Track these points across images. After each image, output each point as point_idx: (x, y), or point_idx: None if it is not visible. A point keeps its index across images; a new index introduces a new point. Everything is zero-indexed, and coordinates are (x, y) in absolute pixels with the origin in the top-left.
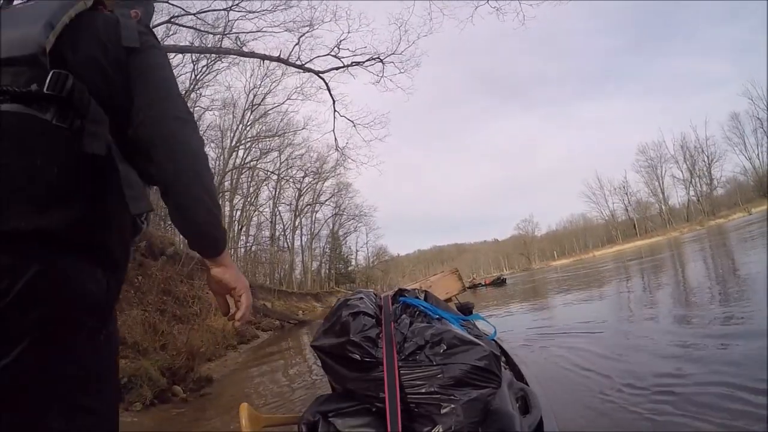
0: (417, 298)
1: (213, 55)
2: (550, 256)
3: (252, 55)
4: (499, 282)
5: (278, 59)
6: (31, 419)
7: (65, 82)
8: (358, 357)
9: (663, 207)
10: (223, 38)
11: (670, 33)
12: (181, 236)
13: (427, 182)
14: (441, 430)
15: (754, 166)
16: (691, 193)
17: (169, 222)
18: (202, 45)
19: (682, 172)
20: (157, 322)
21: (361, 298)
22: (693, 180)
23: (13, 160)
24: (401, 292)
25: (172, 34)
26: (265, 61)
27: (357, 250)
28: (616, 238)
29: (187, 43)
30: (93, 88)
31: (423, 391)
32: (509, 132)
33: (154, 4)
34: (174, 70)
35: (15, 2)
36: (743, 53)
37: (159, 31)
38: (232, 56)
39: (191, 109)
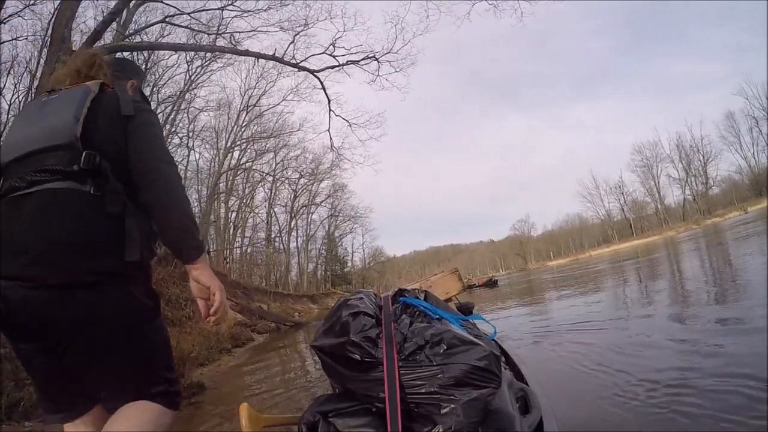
0: (417, 298)
1: (207, 55)
2: (546, 257)
3: (247, 53)
4: (491, 283)
5: (273, 57)
6: (139, 358)
7: (95, 159)
8: (358, 357)
9: (659, 206)
10: (217, 38)
11: (664, 33)
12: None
13: (423, 183)
14: (441, 430)
15: (750, 164)
16: (687, 192)
17: None
18: (196, 43)
19: (677, 171)
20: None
21: (361, 298)
22: (689, 179)
23: (73, 225)
24: (401, 292)
25: (166, 35)
26: (260, 61)
27: (353, 252)
28: (612, 237)
29: (182, 42)
30: (109, 153)
31: (423, 391)
32: (505, 132)
33: (151, 3)
34: (168, 71)
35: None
36: (737, 53)
37: (154, 31)
38: (226, 57)
39: (186, 109)
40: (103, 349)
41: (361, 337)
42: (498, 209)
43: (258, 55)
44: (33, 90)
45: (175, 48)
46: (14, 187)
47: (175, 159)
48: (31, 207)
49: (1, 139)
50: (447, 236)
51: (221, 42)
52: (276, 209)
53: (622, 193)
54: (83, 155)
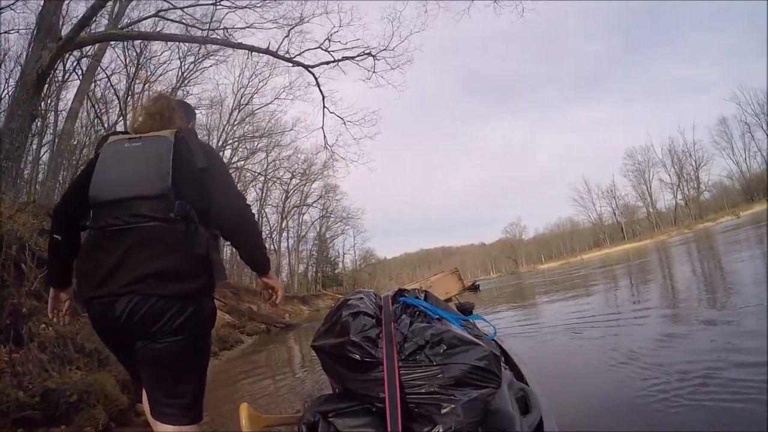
0: (417, 298)
1: (201, 52)
2: (538, 260)
3: (240, 46)
4: (473, 288)
5: (267, 51)
6: (181, 380)
7: (186, 207)
8: (358, 357)
9: (651, 210)
10: (211, 33)
11: (657, 38)
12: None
13: (415, 185)
14: (441, 430)
15: (742, 170)
16: (679, 197)
17: None
18: (189, 34)
19: (669, 176)
20: None
21: (361, 298)
22: (681, 184)
23: (174, 255)
24: (401, 292)
25: (159, 30)
26: (253, 57)
27: (344, 253)
28: (603, 241)
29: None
30: (194, 201)
31: (423, 391)
32: (497, 136)
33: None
34: (161, 68)
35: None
36: (731, 58)
37: (146, 26)
38: (219, 54)
39: None
40: (173, 355)
41: (361, 337)
42: (489, 212)
43: (251, 48)
44: (20, 82)
45: (167, 38)
46: (111, 224)
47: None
48: (130, 241)
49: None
50: (438, 238)
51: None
52: (267, 209)
53: (614, 197)
54: (176, 204)
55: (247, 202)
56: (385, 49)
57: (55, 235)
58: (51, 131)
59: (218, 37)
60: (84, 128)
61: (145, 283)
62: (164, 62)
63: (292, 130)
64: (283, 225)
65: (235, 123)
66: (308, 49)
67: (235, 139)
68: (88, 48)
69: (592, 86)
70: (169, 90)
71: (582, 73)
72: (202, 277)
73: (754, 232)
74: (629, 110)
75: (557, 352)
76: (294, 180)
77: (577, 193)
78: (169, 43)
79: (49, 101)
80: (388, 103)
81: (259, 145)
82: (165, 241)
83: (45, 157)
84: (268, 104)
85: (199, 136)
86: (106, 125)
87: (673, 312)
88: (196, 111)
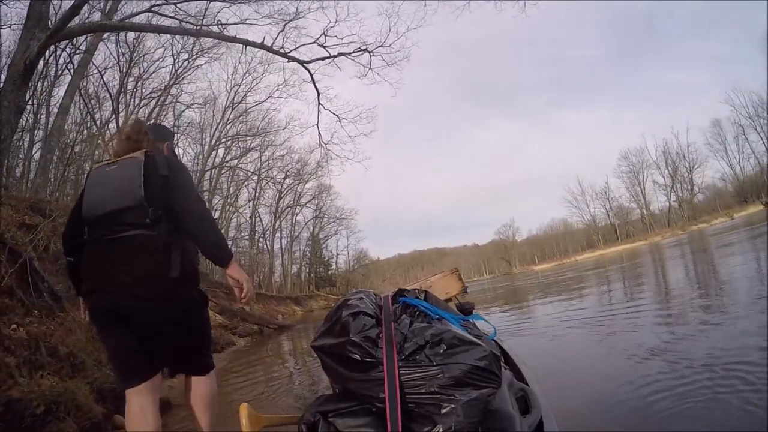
0: (417, 298)
1: (194, 49)
2: (531, 261)
3: (234, 39)
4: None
5: (261, 45)
6: (198, 341)
7: (157, 212)
8: (358, 357)
9: (644, 212)
10: (204, 29)
11: (652, 43)
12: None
13: (408, 187)
14: (441, 430)
15: (735, 172)
16: (673, 198)
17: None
18: (182, 27)
19: (663, 177)
20: None
21: (361, 298)
22: (674, 186)
23: (151, 260)
24: (401, 292)
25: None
26: (248, 53)
27: (337, 254)
28: (597, 242)
29: (169, 37)
30: (161, 205)
31: (423, 391)
32: (491, 138)
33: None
34: (154, 65)
35: None
36: (723, 64)
37: (139, 21)
38: (213, 51)
39: (172, 104)
40: (178, 331)
41: (361, 337)
42: (482, 213)
43: (246, 42)
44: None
45: (160, 30)
46: (103, 234)
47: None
48: (118, 247)
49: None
50: (431, 240)
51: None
52: (260, 209)
53: (608, 199)
54: (149, 211)
55: (204, 204)
56: (381, 46)
57: (68, 258)
58: (43, 128)
59: (212, 30)
60: (76, 126)
61: (134, 286)
62: (157, 59)
63: (285, 128)
64: (276, 225)
65: (229, 121)
66: (303, 44)
67: (229, 138)
68: (80, 42)
69: (586, 90)
70: (162, 87)
71: (576, 77)
72: (178, 269)
73: (753, 233)
74: (623, 113)
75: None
76: (287, 180)
77: (571, 194)
78: (162, 40)
79: (41, 98)
80: (383, 105)
81: (253, 144)
82: (146, 247)
83: (37, 155)
84: (261, 102)
85: (176, 152)
86: (98, 123)
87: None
88: (189, 108)
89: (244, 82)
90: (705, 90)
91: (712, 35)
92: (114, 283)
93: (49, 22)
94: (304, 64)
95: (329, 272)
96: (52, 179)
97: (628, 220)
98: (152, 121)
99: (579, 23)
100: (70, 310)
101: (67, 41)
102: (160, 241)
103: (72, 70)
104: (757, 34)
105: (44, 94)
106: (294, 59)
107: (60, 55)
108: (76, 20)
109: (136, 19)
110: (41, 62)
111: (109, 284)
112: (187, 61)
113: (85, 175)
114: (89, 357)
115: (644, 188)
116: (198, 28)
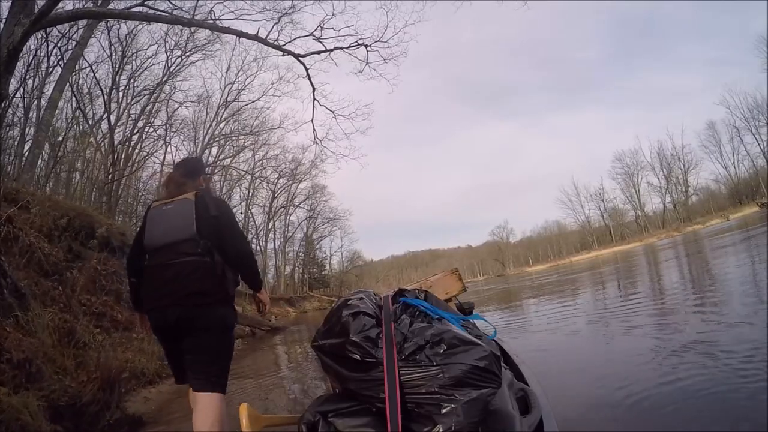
0: (417, 298)
1: (188, 46)
2: (525, 262)
3: (227, 30)
4: None
5: (255, 37)
6: (211, 361)
7: (207, 245)
8: (358, 357)
9: (639, 213)
10: (196, 20)
11: (646, 46)
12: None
13: (402, 188)
14: (441, 430)
15: (730, 173)
16: (667, 200)
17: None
18: (175, 16)
19: (658, 179)
20: (81, 328)
21: (361, 298)
22: (669, 187)
23: (202, 279)
24: (401, 292)
25: (145, 22)
26: (242, 48)
27: (331, 255)
28: (591, 244)
29: (162, 33)
30: (212, 239)
31: (423, 391)
32: (485, 140)
33: None
34: (147, 61)
35: None
36: (717, 67)
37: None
38: (207, 48)
39: (165, 100)
40: (205, 343)
41: (361, 337)
42: (476, 215)
43: (239, 33)
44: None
45: (150, 19)
46: (160, 262)
47: (247, 237)
48: (174, 271)
49: None
50: (425, 241)
51: (202, 32)
52: (254, 209)
53: (603, 200)
54: (201, 243)
55: (247, 241)
56: (378, 40)
57: (131, 279)
58: (34, 125)
59: (206, 31)
60: (67, 121)
61: (184, 298)
62: (150, 56)
63: (279, 127)
64: (270, 226)
65: (222, 120)
66: (299, 37)
67: (222, 137)
68: (72, 33)
69: (581, 92)
70: (155, 84)
71: (571, 79)
72: (220, 293)
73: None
74: (618, 115)
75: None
76: (281, 180)
77: (566, 195)
78: (155, 36)
79: (32, 94)
80: (378, 105)
81: (246, 144)
82: (196, 271)
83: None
84: (256, 100)
85: (170, 150)
86: (90, 120)
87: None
88: (183, 107)
89: (238, 80)
90: (699, 92)
91: (706, 38)
92: (167, 297)
93: (36, 9)
94: (299, 58)
95: (323, 273)
96: (43, 175)
97: (622, 222)
98: (190, 154)
99: (575, 25)
100: (36, 309)
101: (61, 37)
102: (219, 266)
103: (63, 66)
104: (751, 37)
105: (35, 90)
106: (289, 52)
107: (52, 51)
108: (66, 6)
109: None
110: (33, 58)
111: (162, 300)
112: (180, 58)
113: (146, 210)
114: (50, 365)
115: (639, 190)
116: (190, 17)
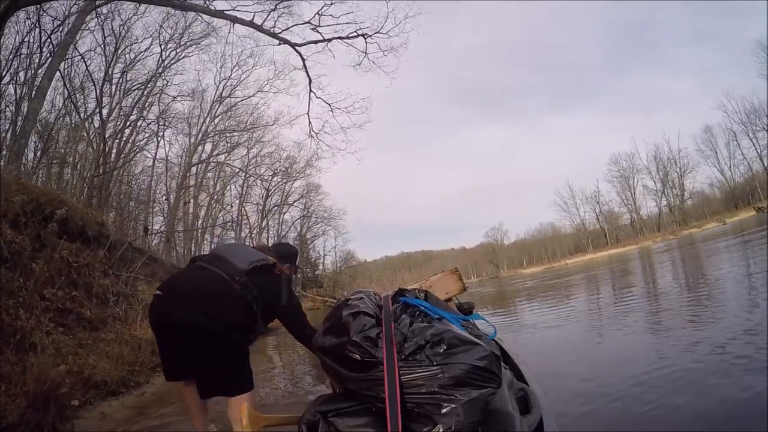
0: (417, 298)
1: (182, 39)
2: (519, 264)
3: (220, 15)
4: None
5: (251, 23)
6: (229, 369)
7: (252, 290)
8: (358, 357)
9: (635, 216)
10: (192, 19)
11: (642, 51)
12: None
13: (397, 189)
14: (441, 430)
15: (726, 178)
16: (663, 203)
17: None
18: (172, 18)
19: (654, 182)
20: (32, 326)
21: (362, 297)
22: (665, 191)
23: (227, 297)
24: (401, 292)
25: (140, 14)
26: (238, 39)
27: (325, 254)
28: (586, 246)
29: (156, 25)
30: (260, 297)
31: (423, 391)
32: (480, 142)
33: None
34: (141, 54)
35: None
36: (713, 71)
37: (128, 7)
38: (201, 43)
39: (158, 94)
40: (216, 352)
41: (362, 337)
42: (471, 217)
43: (233, 19)
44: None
45: (140, 0)
46: (202, 265)
47: (289, 297)
48: (205, 275)
49: None
50: (419, 242)
51: (198, 25)
52: (247, 207)
53: (598, 203)
54: (245, 281)
55: (311, 330)
56: (378, 32)
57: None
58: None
59: (202, 23)
60: (56, 112)
61: (200, 305)
62: (144, 49)
63: (274, 124)
64: (263, 224)
65: (217, 116)
66: (296, 24)
67: (216, 133)
68: (64, 26)
69: (577, 96)
70: (149, 77)
71: (567, 83)
72: (235, 318)
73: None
74: (614, 119)
75: None
76: (275, 178)
77: (561, 198)
78: (150, 29)
79: (23, 88)
80: (374, 104)
81: (240, 140)
82: (221, 288)
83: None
84: (250, 96)
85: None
86: (82, 114)
87: None
88: (176, 101)
89: (233, 75)
90: (697, 96)
91: (703, 42)
92: (190, 299)
93: None
94: (296, 47)
95: (316, 273)
96: (30, 166)
97: (618, 225)
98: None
99: (572, 29)
100: None
101: (54, 29)
102: (247, 295)
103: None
104: (748, 41)
105: (27, 84)
106: (285, 41)
107: (45, 43)
108: None
109: (125, 5)
110: (24, 50)
111: (183, 299)
112: (174, 51)
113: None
114: None
115: (635, 193)
116: (188, 26)
